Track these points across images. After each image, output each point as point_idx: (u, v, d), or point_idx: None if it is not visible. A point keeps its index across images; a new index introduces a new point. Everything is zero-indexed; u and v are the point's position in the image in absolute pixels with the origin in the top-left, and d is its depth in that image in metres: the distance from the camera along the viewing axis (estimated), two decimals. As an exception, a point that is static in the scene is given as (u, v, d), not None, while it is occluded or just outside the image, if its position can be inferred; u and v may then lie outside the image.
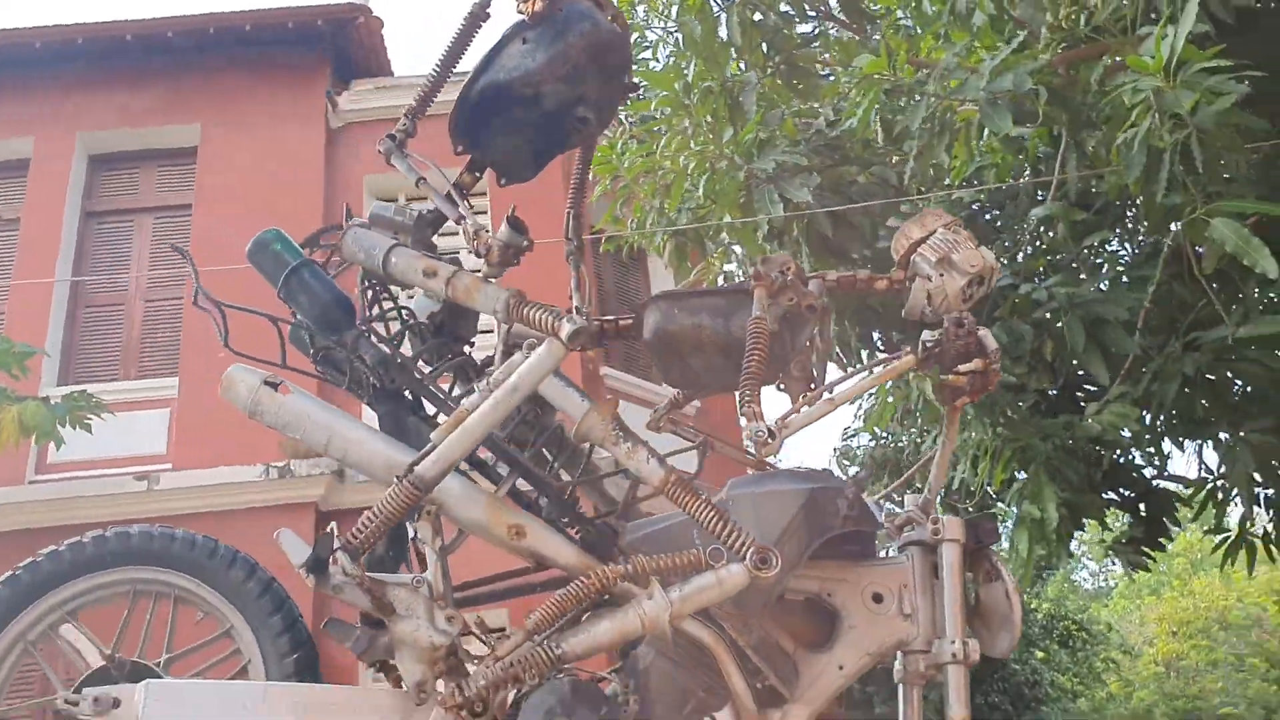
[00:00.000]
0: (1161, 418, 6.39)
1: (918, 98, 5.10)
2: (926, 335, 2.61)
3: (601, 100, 2.76)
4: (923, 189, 5.54)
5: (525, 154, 2.82)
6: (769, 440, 2.37)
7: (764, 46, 5.61)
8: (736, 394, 2.53)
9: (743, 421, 2.43)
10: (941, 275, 2.65)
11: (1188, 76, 4.57)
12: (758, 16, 5.61)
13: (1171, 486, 7.24)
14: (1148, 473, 7.20)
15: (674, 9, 5.92)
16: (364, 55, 11.71)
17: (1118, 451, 6.86)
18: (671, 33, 6.18)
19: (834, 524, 2.63)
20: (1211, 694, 17.78)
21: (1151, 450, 6.88)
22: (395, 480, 2.44)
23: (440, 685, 2.39)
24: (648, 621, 2.39)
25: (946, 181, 5.63)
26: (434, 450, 2.44)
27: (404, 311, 2.84)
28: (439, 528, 2.54)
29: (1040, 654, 14.69)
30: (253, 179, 10.91)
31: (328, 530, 2.39)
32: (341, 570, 2.39)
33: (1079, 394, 6.48)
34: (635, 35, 6.83)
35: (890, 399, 7.53)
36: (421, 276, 2.63)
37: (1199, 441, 7.05)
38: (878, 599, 2.67)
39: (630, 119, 6.74)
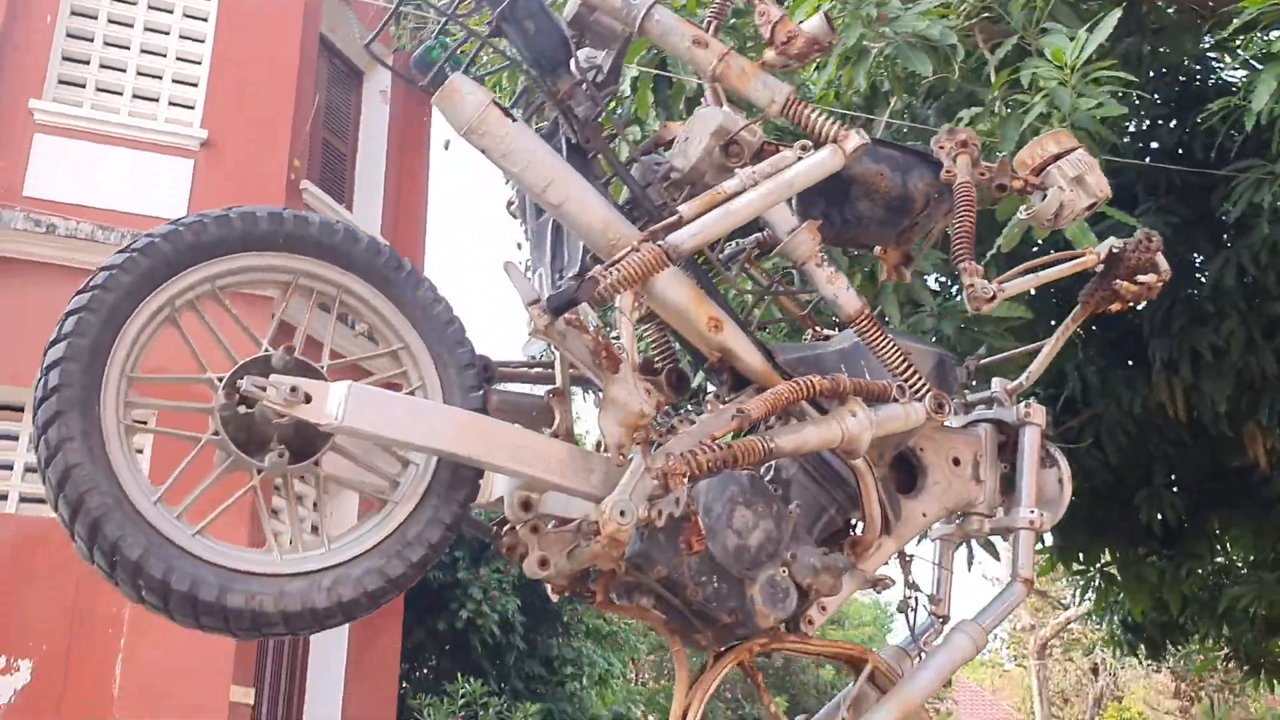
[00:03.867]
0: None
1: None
2: (1114, 242, 2.89)
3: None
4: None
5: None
6: (992, 298, 2.57)
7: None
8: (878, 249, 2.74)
9: (964, 279, 2.60)
10: (1072, 192, 2.92)
11: (1083, 84, 5.18)
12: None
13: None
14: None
15: None
16: None
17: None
18: None
19: (954, 389, 2.87)
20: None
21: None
22: (636, 244, 2.37)
23: (639, 453, 2.37)
24: (848, 436, 2.51)
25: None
26: (691, 222, 2.40)
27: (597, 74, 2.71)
28: (639, 303, 2.50)
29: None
30: None
31: (589, 274, 2.29)
32: (576, 318, 2.31)
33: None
34: None
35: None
36: (689, 44, 2.53)
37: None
38: (957, 462, 2.94)
39: None
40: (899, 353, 2.62)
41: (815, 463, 2.72)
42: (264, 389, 2.14)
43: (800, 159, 2.49)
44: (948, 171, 2.77)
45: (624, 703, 16.22)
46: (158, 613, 2.10)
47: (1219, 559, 10.33)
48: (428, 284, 2.43)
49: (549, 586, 2.61)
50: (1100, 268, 2.93)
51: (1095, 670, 25.30)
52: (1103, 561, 10.41)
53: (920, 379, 2.62)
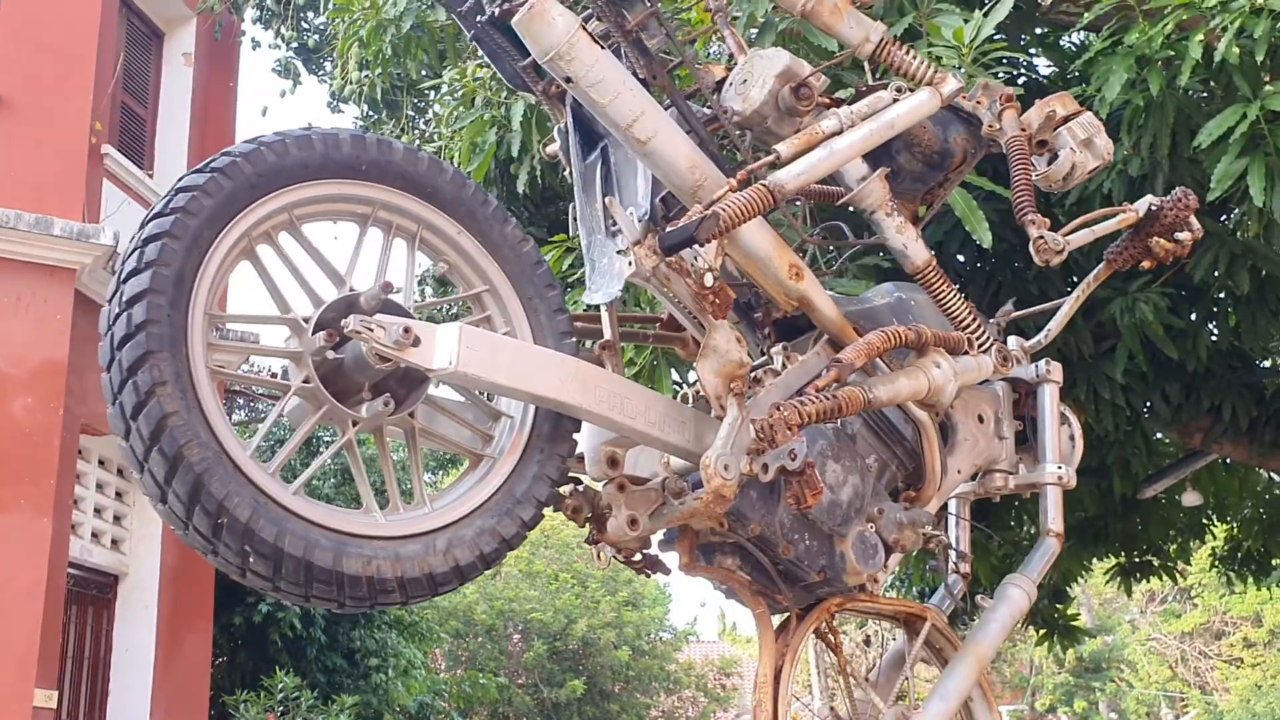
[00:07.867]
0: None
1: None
2: (1152, 200, 2.93)
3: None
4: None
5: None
6: (1062, 250, 2.57)
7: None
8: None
9: (1032, 231, 2.59)
10: (1082, 154, 2.97)
11: (973, 67, 5.33)
12: None
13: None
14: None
15: None
16: None
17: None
18: None
19: (990, 347, 2.86)
20: (526, 600, 19.74)
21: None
22: (734, 184, 2.25)
23: (734, 404, 2.25)
24: (934, 386, 2.46)
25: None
26: (791, 162, 2.29)
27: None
28: (722, 249, 2.37)
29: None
30: None
31: (708, 211, 2.14)
32: (678, 260, 2.17)
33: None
34: None
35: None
36: None
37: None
38: (981, 419, 2.94)
39: None
40: (965, 304, 2.60)
41: (877, 418, 2.66)
42: (371, 329, 1.91)
43: (896, 100, 2.42)
44: (989, 126, 2.76)
45: (428, 693, 15.82)
46: (260, 583, 1.84)
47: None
48: (515, 222, 2.23)
49: (615, 550, 2.44)
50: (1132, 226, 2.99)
51: (868, 641, 26.46)
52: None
53: (985, 331, 2.61)
